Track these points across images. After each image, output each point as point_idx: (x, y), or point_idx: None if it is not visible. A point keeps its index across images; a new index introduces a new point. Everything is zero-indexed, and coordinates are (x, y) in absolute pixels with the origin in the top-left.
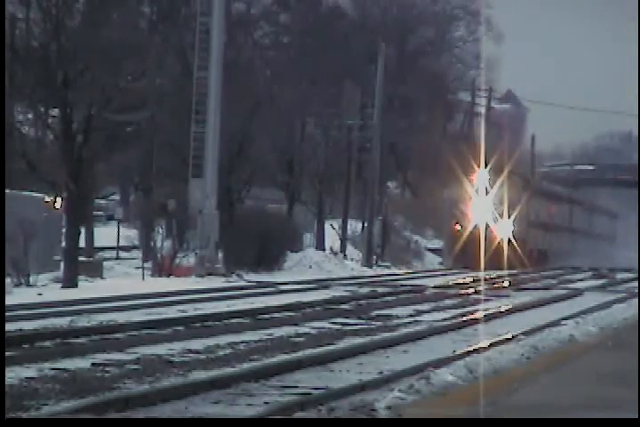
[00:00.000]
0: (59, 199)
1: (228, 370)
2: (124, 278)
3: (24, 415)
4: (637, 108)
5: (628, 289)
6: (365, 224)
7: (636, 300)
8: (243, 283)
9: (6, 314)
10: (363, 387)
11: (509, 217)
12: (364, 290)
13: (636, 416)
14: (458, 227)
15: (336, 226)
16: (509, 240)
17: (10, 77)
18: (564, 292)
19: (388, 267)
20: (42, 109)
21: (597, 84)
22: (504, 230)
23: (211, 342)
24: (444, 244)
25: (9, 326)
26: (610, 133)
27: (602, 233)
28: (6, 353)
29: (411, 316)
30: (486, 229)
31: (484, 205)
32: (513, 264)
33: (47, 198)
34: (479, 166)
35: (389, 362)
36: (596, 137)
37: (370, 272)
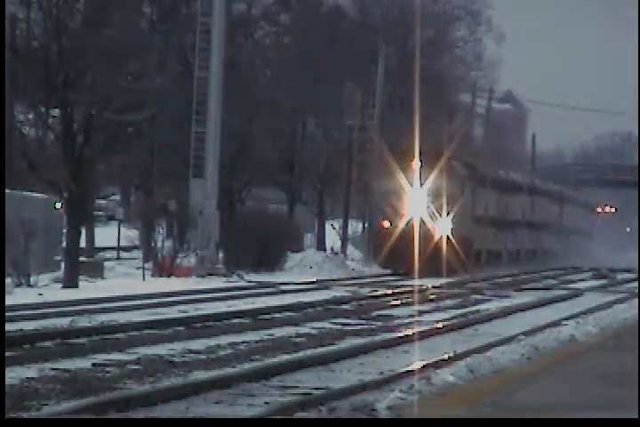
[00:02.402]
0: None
1: (229, 370)
2: (125, 279)
3: (25, 415)
4: (637, 109)
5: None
6: (366, 224)
7: (636, 300)
8: (243, 283)
9: (7, 314)
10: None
11: (448, 212)
12: (365, 290)
13: (636, 416)
14: (387, 223)
15: (337, 226)
16: (449, 240)
17: (11, 78)
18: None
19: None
20: (42, 109)
21: (598, 84)
22: (443, 228)
23: (211, 342)
24: (371, 243)
25: (10, 327)
26: (611, 134)
27: (576, 229)
28: (7, 353)
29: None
30: (421, 226)
31: (418, 198)
32: (454, 268)
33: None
34: (413, 153)
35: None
36: (597, 137)
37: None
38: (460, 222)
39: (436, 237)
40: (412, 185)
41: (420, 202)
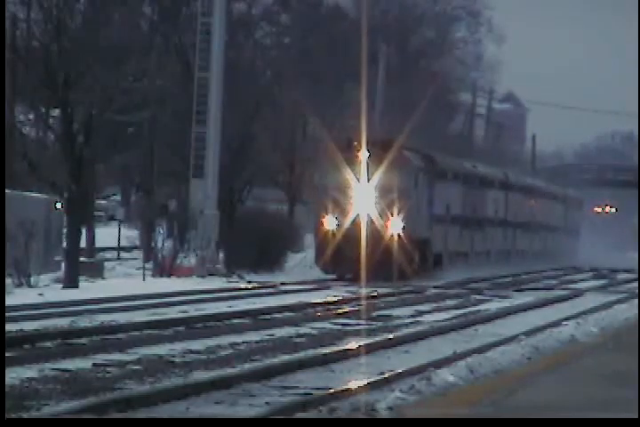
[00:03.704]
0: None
1: (230, 370)
2: (125, 279)
3: (25, 416)
4: (637, 109)
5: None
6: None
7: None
8: (244, 283)
9: (8, 314)
10: None
11: (399, 210)
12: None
13: (636, 416)
14: (329, 222)
15: None
16: (401, 241)
17: (11, 78)
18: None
19: None
20: (43, 110)
21: (598, 84)
22: (393, 228)
23: (212, 342)
24: (315, 245)
25: (10, 327)
26: (611, 134)
27: (560, 228)
28: (8, 354)
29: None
30: (368, 225)
31: (365, 194)
32: (407, 273)
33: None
34: (360, 142)
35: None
36: (598, 137)
37: None
38: (414, 221)
39: (386, 238)
40: (358, 179)
41: (367, 198)
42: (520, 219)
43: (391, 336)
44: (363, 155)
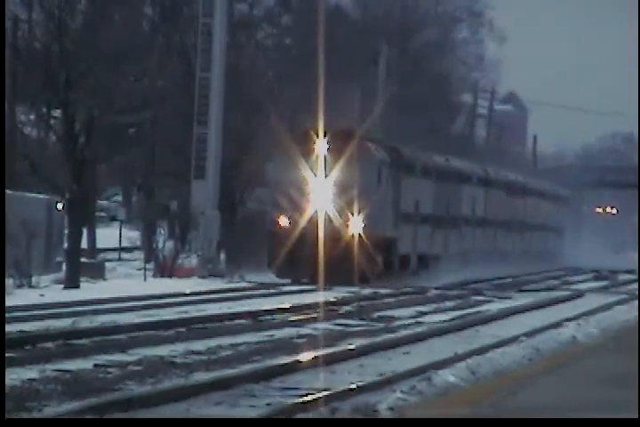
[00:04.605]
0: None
1: (230, 371)
2: (126, 279)
3: (26, 416)
4: (638, 110)
5: None
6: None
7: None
8: (244, 284)
9: (8, 315)
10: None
11: (360, 207)
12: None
13: (636, 416)
14: (283, 221)
15: None
16: (362, 241)
17: (12, 78)
18: None
19: None
20: (44, 110)
21: (599, 85)
22: (353, 227)
23: (212, 343)
24: (268, 247)
25: (11, 328)
26: (612, 135)
27: (546, 226)
28: (8, 354)
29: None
30: (325, 224)
31: (323, 190)
32: (367, 277)
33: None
34: (317, 133)
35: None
36: (599, 138)
37: None
38: (377, 220)
39: (346, 238)
40: (314, 173)
41: (324, 194)
42: (502, 218)
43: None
44: (319, 146)
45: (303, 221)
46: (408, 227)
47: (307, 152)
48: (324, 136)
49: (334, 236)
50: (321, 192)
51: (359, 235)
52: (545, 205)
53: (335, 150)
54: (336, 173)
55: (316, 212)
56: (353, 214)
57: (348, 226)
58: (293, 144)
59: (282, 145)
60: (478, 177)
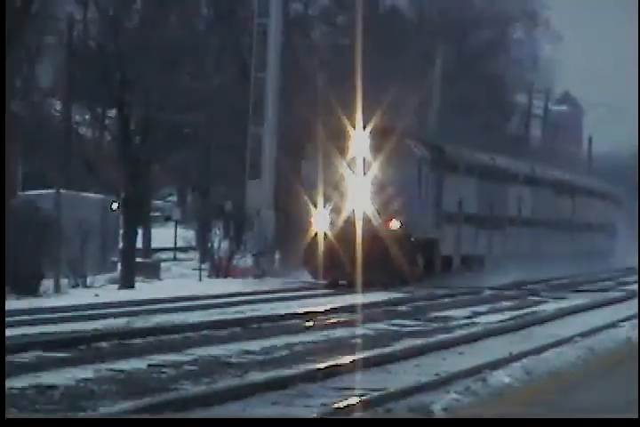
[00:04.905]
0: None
1: (285, 371)
2: (181, 279)
3: (80, 415)
4: (637, 111)
5: None
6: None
7: None
8: (299, 284)
9: (63, 315)
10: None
11: (400, 207)
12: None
13: (636, 416)
14: (319, 221)
15: None
16: (401, 242)
17: (68, 78)
18: None
19: None
20: (99, 110)
21: None
22: (393, 227)
23: (267, 343)
24: (304, 246)
25: (65, 327)
26: None
27: (597, 225)
28: (63, 354)
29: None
30: (365, 224)
31: (361, 189)
32: (407, 279)
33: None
34: (354, 128)
35: None
36: None
37: None
38: (417, 220)
39: (384, 239)
40: (352, 171)
41: (363, 193)
42: (550, 217)
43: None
44: (358, 143)
45: (341, 221)
46: (451, 227)
47: (343, 149)
48: (363, 132)
49: (373, 236)
50: (359, 191)
51: (398, 235)
52: (596, 204)
53: (374, 147)
54: (375, 170)
55: (353, 211)
56: (392, 214)
57: (387, 226)
58: (330, 141)
59: (318, 142)
60: (525, 176)
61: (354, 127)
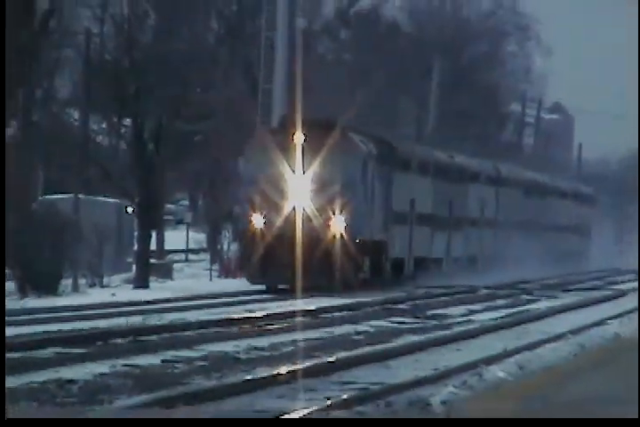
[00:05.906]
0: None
1: (291, 366)
2: (193, 279)
3: (97, 408)
4: (637, 113)
5: None
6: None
7: None
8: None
9: (82, 313)
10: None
11: (343, 206)
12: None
13: (636, 416)
14: (257, 221)
15: None
16: (344, 244)
17: (85, 89)
18: None
19: None
20: (115, 120)
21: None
22: (335, 227)
23: (275, 339)
24: (240, 247)
25: (84, 325)
26: None
27: (571, 227)
28: (82, 350)
29: None
30: (306, 224)
31: (301, 187)
32: (352, 284)
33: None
34: (293, 123)
35: None
36: None
37: None
38: (362, 220)
39: (326, 241)
40: (292, 168)
41: (303, 192)
42: (517, 219)
43: None
44: (298, 138)
45: (279, 221)
46: (402, 228)
47: (283, 144)
48: (303, 127)
49: (313, 237)
50: (299, 189)
51: (341, 236)
52: (568, 206)
53: (315, 142)
54: (315, 167)
55: (293, 210)
56: (334, 213)
57: (328, 226)
58: (268, 136)
59: (256, 136)
60: (487, 175)
61: (292, 120)
